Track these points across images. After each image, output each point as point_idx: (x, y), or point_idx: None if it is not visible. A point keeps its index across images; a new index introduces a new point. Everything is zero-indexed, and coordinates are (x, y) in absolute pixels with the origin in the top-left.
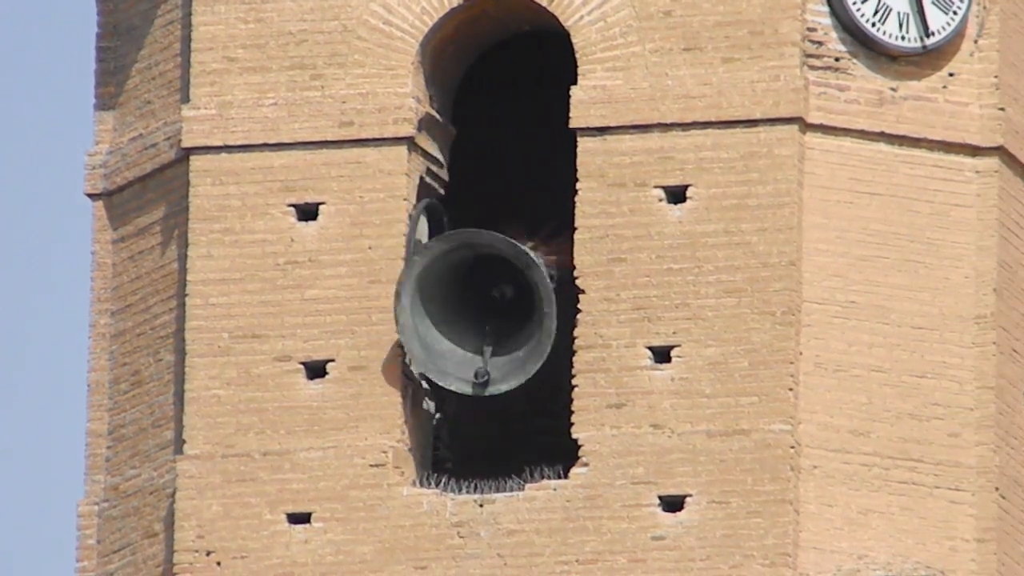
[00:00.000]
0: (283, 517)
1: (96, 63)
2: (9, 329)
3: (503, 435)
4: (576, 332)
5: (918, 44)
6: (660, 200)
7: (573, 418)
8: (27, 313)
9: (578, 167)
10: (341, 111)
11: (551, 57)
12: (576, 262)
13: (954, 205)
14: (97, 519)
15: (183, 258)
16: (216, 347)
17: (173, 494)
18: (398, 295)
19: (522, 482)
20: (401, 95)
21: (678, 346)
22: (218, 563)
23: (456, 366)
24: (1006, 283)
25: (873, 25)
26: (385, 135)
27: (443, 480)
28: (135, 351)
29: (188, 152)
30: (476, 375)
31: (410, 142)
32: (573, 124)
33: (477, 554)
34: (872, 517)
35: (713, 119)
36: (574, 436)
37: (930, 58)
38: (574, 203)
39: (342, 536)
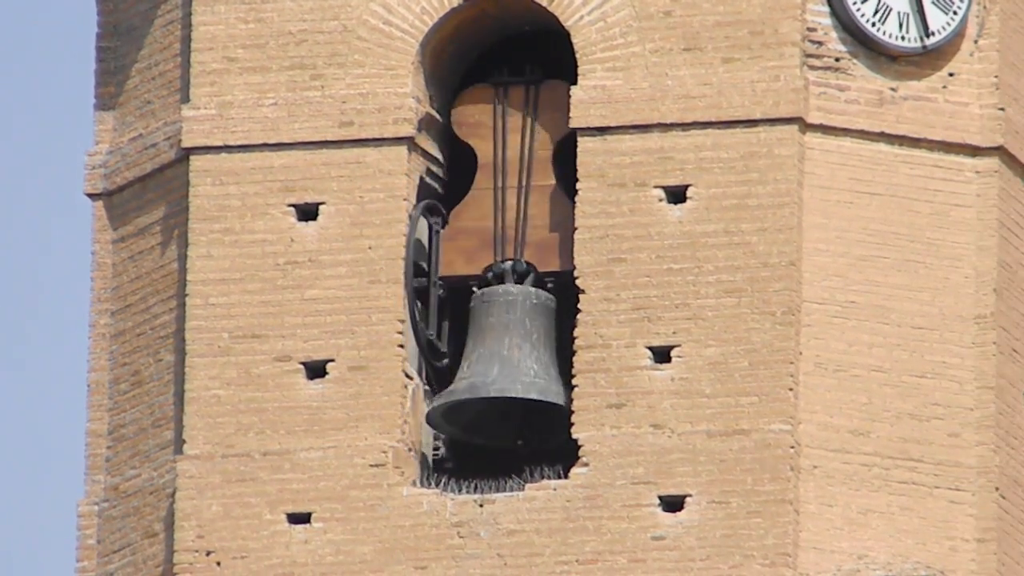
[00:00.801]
0: (283, 517)
1: (96, 63)
2: (9, 329)
3: None
4: (576, 332)
5: (918, 44)
6: (660, 200)
7: (573, 418)
8: (27, 313)
9: (578, 167)
10: (341, 111)
11: (551, 57)
12: (576, 262)
13: (954, 205)
14: (97, 519)
15: (183, 258)
16: (216, 347)
17: (173, 494)
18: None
19: (522, 482)
20: (401, 95)
21: (678, 346)
22: (218, 563)
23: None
24: (1006, 283)
25: (873, 25)
26: (385, 135)
27: (443, 480)
28: (135, 351)
29: (188, 152)
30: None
31: (410, 142)
32: (573, 124)
33: (477, 554)
34: (872, 517)
35: (713, 119)
36: (574, 436)
37: (930, 58)
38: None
39: (342, 536)
